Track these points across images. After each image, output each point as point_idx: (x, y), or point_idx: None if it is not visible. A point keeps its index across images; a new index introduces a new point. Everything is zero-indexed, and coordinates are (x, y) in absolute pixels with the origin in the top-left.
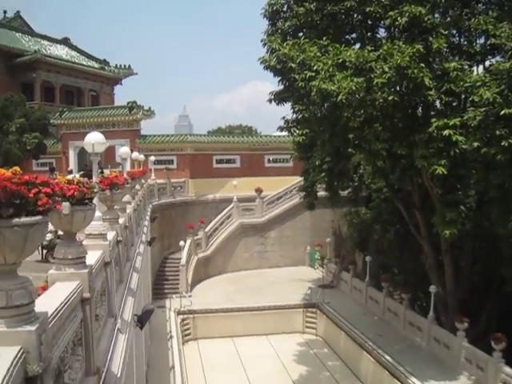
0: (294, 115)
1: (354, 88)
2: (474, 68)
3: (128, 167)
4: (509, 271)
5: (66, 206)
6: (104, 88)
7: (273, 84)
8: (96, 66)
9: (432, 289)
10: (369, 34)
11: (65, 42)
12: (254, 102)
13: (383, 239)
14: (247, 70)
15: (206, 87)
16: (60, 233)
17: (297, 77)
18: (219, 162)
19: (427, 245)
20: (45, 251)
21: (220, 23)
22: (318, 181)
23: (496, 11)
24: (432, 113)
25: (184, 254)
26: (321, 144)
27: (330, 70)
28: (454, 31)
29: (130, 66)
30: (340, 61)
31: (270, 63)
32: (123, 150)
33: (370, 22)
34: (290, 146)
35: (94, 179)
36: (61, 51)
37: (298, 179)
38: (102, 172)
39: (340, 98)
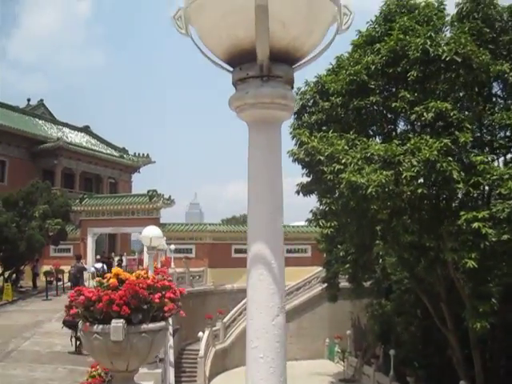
0: (321, 207)
1: (383, 181)
2: (495, 161)
3: (146, 255)
4: None
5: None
6: (122, 175)
7: (285, 173)
8: (115, 154)
9: None
10: (390, 127)
11: (85, 129)
12: None
13: (406, 332)
14: None
15: (216, 175)
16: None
17: (325, 169)
18: (238, 251)
19: (454, 338)
20: (78, 342)
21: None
22: (340, 272)
23: None
24: (455, 204)
25: (202, 346)
26: (349, 236)
27: (359, 163)
28: (478, 125)
29: (148, 154)
30: (368, 154)
31: (298, 156)
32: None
33: (391, 116)
34: (308, 237)
35: (150, 273)
36: (81, 139)
37: (316, 270)
38: (121, 260)
39: (370, 190)
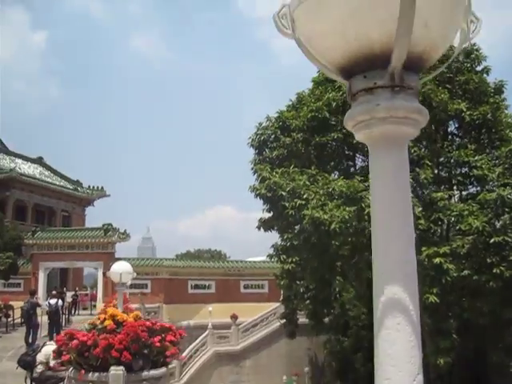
0: (282, 242)
1: (346, 217)
2: (453, 198)
3: (100, 290)
4: None
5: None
6: (76, 208)
7: (234, 209)
8: (69, 186)
9: None
10: (348, 163)
11: (39, 161)
12: (216, 226)
13: (364, 368)
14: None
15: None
16: (51, 364)
17: (287, 205)
18: (194, 287)
19: None
20: None
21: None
22: (299, 308)
23: (473, 144)
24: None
25: None
26: (310, 272)
27: (322, 199)
28: (436, 162)
29: (102, 187)
30: (330, 190)
31: (260, 191)
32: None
33: (348, 153)
34: (265, 272)
35: (120, 311)
36: (34, 170)
37: (273, 305)
38: (76, 295)
39: (333, 226)
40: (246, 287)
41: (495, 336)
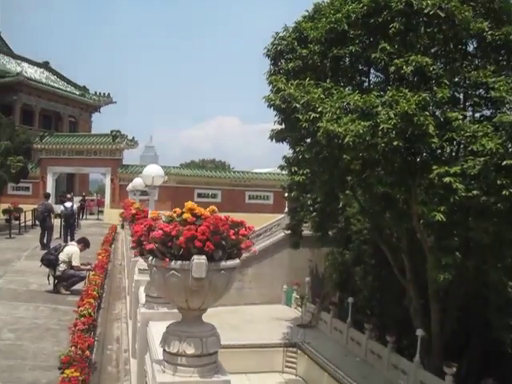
0: (294, 155)
1: (360, 131)
2: (468, 118)
3: (108, 195)
4: (496, 318)
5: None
6: (83, 115)
7: (238, 119)
8: (76, 92)
9: (419, 332)
10: (360, 78)
11: (45, 65)
12: (219, 137)
13: (363, 281)
14: (212, 106)
15: (172, 120)
16: (74, 264)
17: (301, 117)
18: (200, 195)
19: (413, 289)
20: (56, 281)
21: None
22: (305, 220)
23: (493, 65)
24: (428, 158)
25: None
26: (319, 185)
27: (337, 112)
28: (453, 82)
29: (109, 94)
30: (345, 104)
31: (275, 102)
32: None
33: (362, 68)
34: (271, 184)
35: (149, 213)
36: (41, 75)
37: (278, 217)
38: (83, 200)
39: (347, 140)
40: (251, 198)
41: (497, 256)
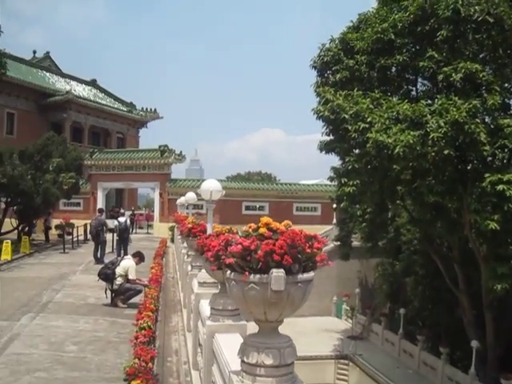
0: (343, 165)
1: (411, 141)
2: None
3: (157, 210)
4: None
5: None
6: (130, 130)
7: (282, 131)
8: (123, 108)
9: (474, 344)
10: (407, 87)
11: (93, 83)
12: (264, 148)
13: (415, 292)
14: (256, 118)
15: (216, 133)
16: (130, 277)
17: (350, 128)
18: (248, 208)
19: (466, 299)
20: (113, 295)
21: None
22: (355, 231)
23: None
24: (480, 166)
25: None
26: (370, 195)
27: (386, 122)
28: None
29: (155, 109)
30: (394, 114)
31: (323, 113)
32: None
33: (409, 76)
34: (319, 195)
35: (210, 230)
36: (89, 92)
37: (326, 228)
38: (133, 215)
39: (397, 150)
40: (298, 209)
41: None
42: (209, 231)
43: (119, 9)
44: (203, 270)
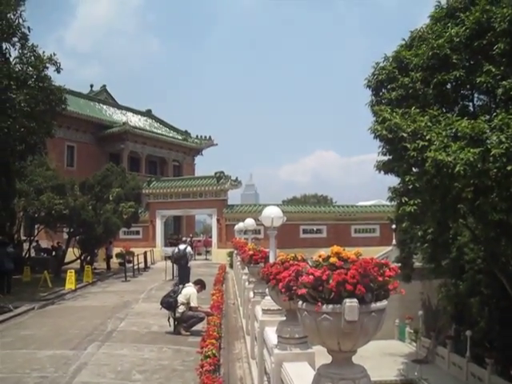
0: (402, 185)
1: (471, 159)
2: None
3: (215, 236)
4: None
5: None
6: (186, 158)
7: (335, 153)
8: (178, 137)
9: None
10: (462, 103)
11: (148, 113)
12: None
13: (481, 313)
14: (309, 141)
15: (270, 157)
16: (192, 305)
17: (408, 146)
18: (306, 231)
19: None
20: (176, 323)
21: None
22: (416, 252)
23: None
24: None
25: None
26: (431, 214)
27: (445, 140)
28: None
29: (210, 137)
30: (453, 131)
31: (381, 132)
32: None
33: (464, 92)
34: (377, 216)
35: (272, 257)
36: (144, 122)
37: (385, 249)
38: (191, 241)
39: (457, 168)
40: (356, 231)
41: None
42: (271, 258)
43: (171, 40)
44: (267, 297)
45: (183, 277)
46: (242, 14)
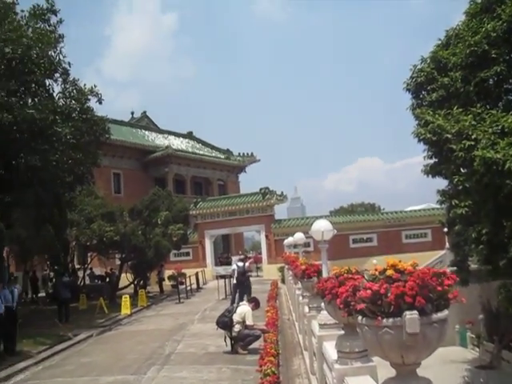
0: (450, 186)
1: None
2: None
3: (264, 252)
4: None
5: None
6: (230, 176)
7: (379, 159)
8: (221, 156)
9: None
10: (509, 97)
11: (189, 135)
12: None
13: None
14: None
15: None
16: (248, 323)
17: (454, 147)
18: (356, 241)
19: None
20: (233, 342)
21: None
22: (471, 254)
23: None
24: None
25: None
26: (484, 215)
27: (491, 137)
28: None
29: (252, 153)
30: (499, 127)
31: (425, 136)
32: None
33: (509, 86)
34: (428, 220)
35: (324, 271)
36: (186, 144)
37: (438, 254)
38: (245, 257)
39: (508, 165)
40: (407, 237)
41: None
42: (324, 272)
43: (207, 60)
44: (323, 312)
45: (243, 294)
46: (277, 26)
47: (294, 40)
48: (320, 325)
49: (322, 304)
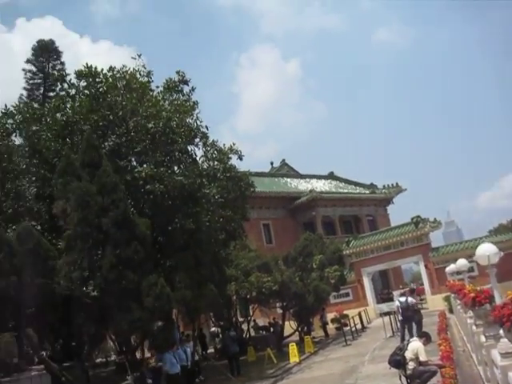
0: None
1: None
2: None
3: (426, 282)
4: None
5: None
6: (378, 210)
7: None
8: (366, 191)
9: None
10: None
11: (330, 176)
12: None
13: None
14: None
15: (462, 189)
16: (421, 359)
17: None
18: None
19: None
20: (408, 380)
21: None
22: None
23: None
24: None
25: None
26: None
27: None
28: None
29: (397, 183)
30: None
31: None
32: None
33: None
34: None
35: (496, 296)
36: (329, 185)
37: None
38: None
39: None
40: None
41: None
42: (497, 298)
43: (332, 99)
44: (502, 340)
45: (414, 329)
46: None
47: (424, 63)
48: (501, 354)
49: (501, 331)
